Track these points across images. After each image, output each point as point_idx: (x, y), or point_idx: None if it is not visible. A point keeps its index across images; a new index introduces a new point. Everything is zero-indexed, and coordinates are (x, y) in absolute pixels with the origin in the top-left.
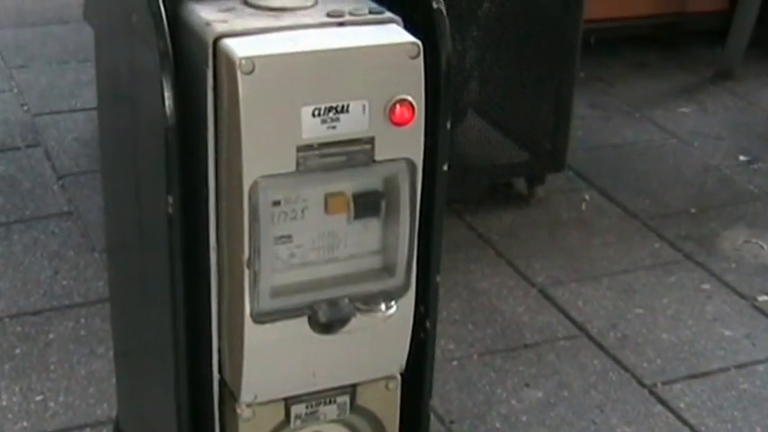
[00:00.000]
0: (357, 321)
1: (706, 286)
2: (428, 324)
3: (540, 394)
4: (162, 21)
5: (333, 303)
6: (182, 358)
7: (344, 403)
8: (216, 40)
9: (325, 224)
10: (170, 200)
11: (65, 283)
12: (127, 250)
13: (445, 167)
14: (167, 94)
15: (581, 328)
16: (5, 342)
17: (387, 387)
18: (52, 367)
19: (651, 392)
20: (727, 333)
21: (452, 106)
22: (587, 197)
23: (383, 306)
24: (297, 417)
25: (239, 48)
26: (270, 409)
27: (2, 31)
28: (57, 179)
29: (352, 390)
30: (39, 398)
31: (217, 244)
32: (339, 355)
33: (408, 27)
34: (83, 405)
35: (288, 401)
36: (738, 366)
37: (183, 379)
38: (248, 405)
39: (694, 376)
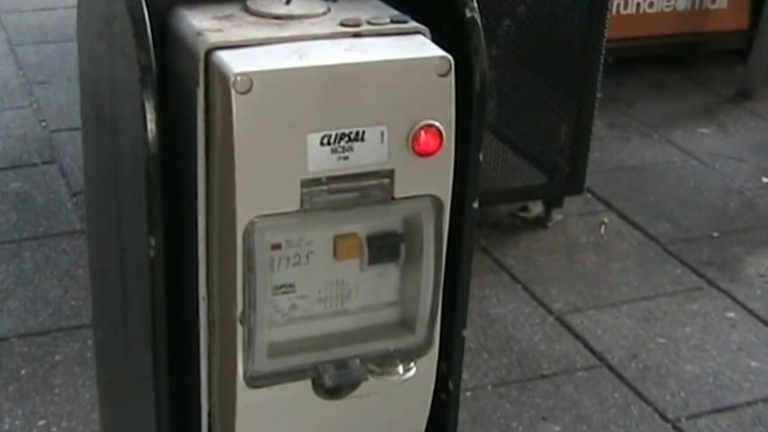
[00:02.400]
0: (369, 385)
1: (730, 314)
2: (451, 385)
3: (557, 428)
4: (145, 29)
5: (341, 365)
6: (164, 419)
7: None
8: (208, 53)
9: (333, 271)
10: (152, 241)
11: (74, 303)
12: (108, 284)
13: (475, 205)
14: (149, 117)
15: (600, 357)
16: (11, 362)
17: None
18: (57, 390)
19: (675, 427)
20: (753, 364)
21: (483, 133)
22: (606, 220)
23: (400, 368)
24: None
25: (235, 62)
26: None
27: (24, 47)
28: (70, 196)
29: None
30: (42, 422)
31: (207, 294)
32: (348, 424)
33: (436, 39)
34: (86, 431)
35: None
36: (767, 400)
37: None
38: None
39: (720, 410)
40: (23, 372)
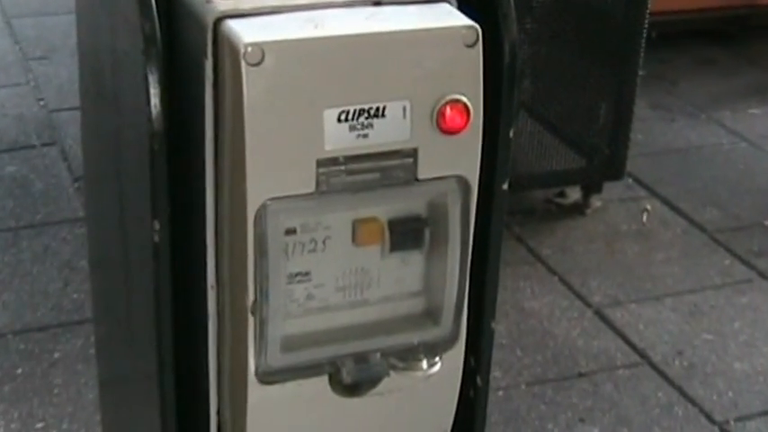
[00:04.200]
0: (391, 381)
1: None
2: (479, 380)
3: (595, 430)
4: None
5: (361, 359)
6: (170, 419)
7: None
8: (216, 22)
9: (352, 258)
10: (156, 225)
11: (75, 296)
12: (110, 274)
13: (505, 186)
14: (153, 91)
15: (642, 354)
16: (7, 361)
17: None
18: (56, 391)
19: (722, 430)
20: None
21: (516, 109)
22: (648, 207)
23: (424, 362)
24: None
25: (245, 31)
26: None
27: (21, 19)
28: (72, 181)
29: None
30: (40, 425)
31: (216, 282)
32: (368, 423)
33: (463, 8)
34: None
35: None
36: None
37: None
38: None
39: None
40: (20, 371)
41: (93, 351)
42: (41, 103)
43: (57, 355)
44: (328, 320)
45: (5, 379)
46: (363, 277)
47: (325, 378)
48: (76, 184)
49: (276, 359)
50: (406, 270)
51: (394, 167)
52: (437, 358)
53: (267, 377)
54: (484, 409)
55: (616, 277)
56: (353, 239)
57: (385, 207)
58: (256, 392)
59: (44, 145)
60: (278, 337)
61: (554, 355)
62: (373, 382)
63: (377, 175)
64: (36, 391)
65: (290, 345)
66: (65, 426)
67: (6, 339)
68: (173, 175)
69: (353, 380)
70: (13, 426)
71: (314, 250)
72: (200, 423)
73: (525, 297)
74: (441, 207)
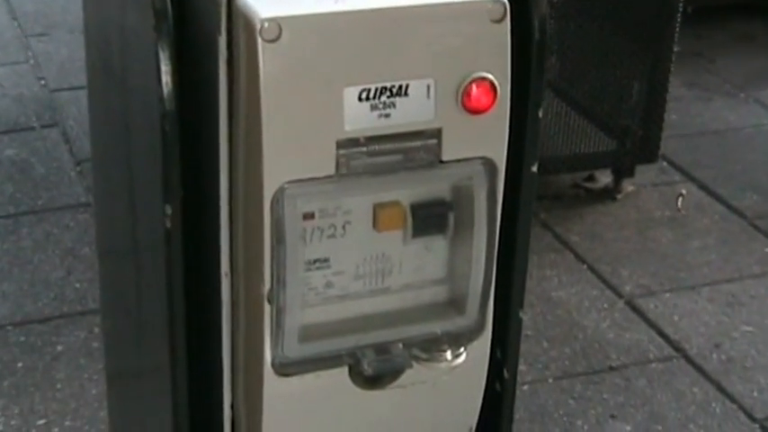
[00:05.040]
0: (414, 373)
1: None
2: (506, 373)
3: (628, 428)
4: None
5: (382, 350)
6: (182, 414)
7: None
8: None
9: (373, 244)
10: (168, 210)
11: (78, 285)
12: (119, 263)
13: (534, 169)
14: (164, 69)
15: (677, 347)
16: (7, 354)
17: None
18: (59, 385)
19: (762, 428)
20: None
21: (544, 87)
22: (684, 192)
23: (449, 353)
24: None
25: (261, 6)
26: None
27: None
28: (74, 164)
29: None
30: (41, 422)
31: (230, 269)
32: (389, 417)
33: None
34: None
35: None
36: None
37: None
38: None
39: None
40: (21, 365)
41: (96, 344)
42: (42, 82)
43: (59, 347)
44: (348, 309)
45: (5, 373)
46: (384, 264)
47: (345, 370)
48: (79, 168)
49: (293, 350)
50: (430, 256)
51: (417, 149)
52: (462, 349)
53: (284, 369)
54: (511, 404)
55: (649, 266)
56: (374, 224)
57: (407, 190)
58: (272, 385)
59: (45, 126)
60: (295, 326)
61: (583, 348)
62: (395, 373)
63: (399, 157)
64: (37, 386)
65: (307, 335)
66: (68, 422)
67: (6, 331)
68: (185, 158)
69: (374, 371)
70: (13, 422)
71: (333, 236)
72: (213, 418)
73: (552, 286)
74: (466, 190)
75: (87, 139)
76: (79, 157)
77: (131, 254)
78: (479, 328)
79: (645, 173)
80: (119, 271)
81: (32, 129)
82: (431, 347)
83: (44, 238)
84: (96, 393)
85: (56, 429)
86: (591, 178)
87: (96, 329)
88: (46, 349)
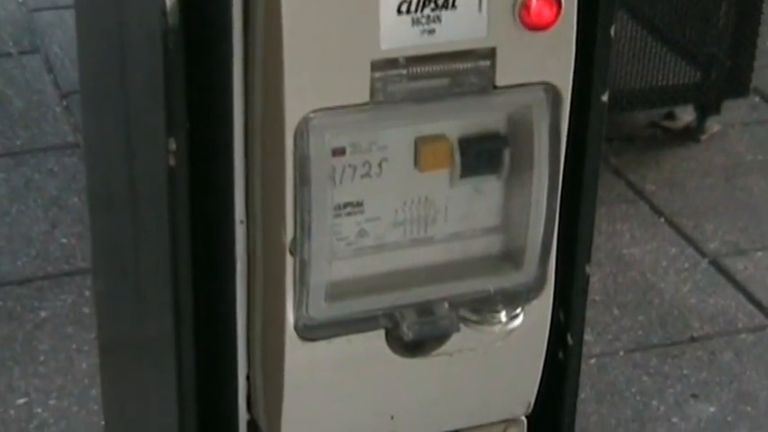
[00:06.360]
0: (461, 338)
1: None
2: (571, 339)
3: (712, 409)
4: None
5: (424, 310)
6: (189, 388)
7: None
8: None
9: (414, 186)
10: (172, 145)
11: (65, 241)
12: (113, 213)
13: (605, 98)
14: None
15: None
16: None
17: None
18: (42, 358)
19: None
20: None
21: (617, 4)
22: None
23: (503, 315)
24: None
25: None
26: None
27: None
28: (60, 98)
29: None
30: (22, 401)
31: (246, 217)
32: (432, 389)
33: None
34: (81, 413)
35: None
36: None
37: (190, 418)
38: None
39: None
40: None
41: (87, 309)
42: (19, 0)
43: (42, 314)
44: (384, 263)
45: None
46: (428, 209)
47: (381, 333)
48: (65, 102)
49: (320, 310)
50: (481, 201)
51: (467, 72)
52: (518, 310)
53: (309, 332)
54: (576, 376)
55: (737, 220)
56: (416, 162)
57: (455, 122)
58: (296, 351)
59: (23, 53)
60: (322, 282)
61: (660, 316)
62: (439, 338)
63: (445, 82)
64: (17, 359)
65: (337, 292)
66: (52, 401)
67: None
68: (191, 84)
69: (415, 336)
70: None
71: (367, 175)
72: (224, 392)
73: (624, 243)
74: (524, 122)
75: (74, 67)
76: (65, 89)
77: (128, 202)
78: (539, 285)
79: (733, 110)
80: (112, 222)
81: (9, 55)
82: (482, 308)
83: (24, 185)
84: (86, 367)
85: (38, 410)
86: (670, 116)
87: (87, 292)
88: (27, 316)
